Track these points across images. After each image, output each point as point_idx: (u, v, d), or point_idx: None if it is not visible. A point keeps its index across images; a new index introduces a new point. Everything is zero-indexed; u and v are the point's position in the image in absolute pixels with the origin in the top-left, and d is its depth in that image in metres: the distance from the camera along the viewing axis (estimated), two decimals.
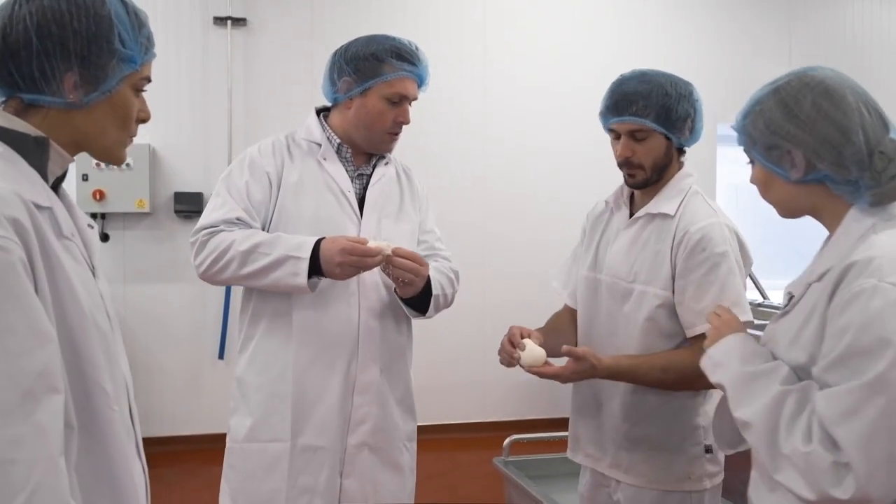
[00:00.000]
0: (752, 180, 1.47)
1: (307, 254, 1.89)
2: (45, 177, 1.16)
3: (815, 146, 1.33)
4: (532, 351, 1.87)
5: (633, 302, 1.91)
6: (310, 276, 1.89)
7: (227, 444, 2.07)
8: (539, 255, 5.25)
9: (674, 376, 1.84)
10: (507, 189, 5.40)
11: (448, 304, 2.15)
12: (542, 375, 1.83)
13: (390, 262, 1.91)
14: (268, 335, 2.02)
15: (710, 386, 1.87)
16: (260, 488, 1.99)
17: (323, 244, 1.90)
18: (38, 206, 1.09)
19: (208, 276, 1.97)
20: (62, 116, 1.16)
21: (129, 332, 4.72)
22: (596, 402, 2.00)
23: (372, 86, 1.98)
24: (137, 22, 1.20)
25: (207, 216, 2.00)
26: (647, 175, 1.92)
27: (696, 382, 1.84)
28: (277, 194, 2.01)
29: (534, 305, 4.98)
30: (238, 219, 1.98)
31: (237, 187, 2.01)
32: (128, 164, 4.54)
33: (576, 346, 2.11)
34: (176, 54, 4.70)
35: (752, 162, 1.45)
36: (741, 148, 1.46)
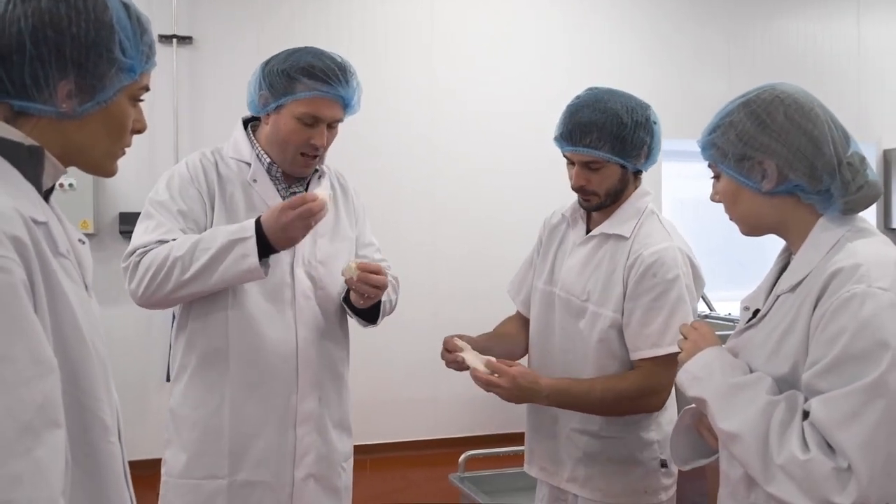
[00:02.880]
0: (717, 195, 1.47)
1: (251, 231, 1.79)
2: (38, 189, 1.08)
3: (788, 157, 1.35)
4: (471, 354, 1.89)
5: (587, 321, 1.93)
6: (260, 258, 1.80)
7: (163, 478, 1.98)
8: (490, 272, 5.27)
9: (613, 397, 1.85)
10: (456, 206, 5.42)
11: (392, 310, 2.13)
12: (486, 383, 1.82)
13: (361, 279, 1.88)
14: (203, 366, 1.93)
15: (651, 410, 1.91)
16: None
17: (262, 217, 1.82)
18: (36, 222, 1.01)
19: (147, 297, 1.83)
20: (53, 126, 1.08)
21: None
22: (552, 415, 2.00)
23: (284, 103, 1.88)
24: (140, 28, 1.13)
25: (139, 238, 1.88)
26: (601, 200, 1.94)
27: (637, 406, 1.88)
28: (211, 217, 1.93)
29: (485, 321, 4.99)
30: (175, 241, 1.86)
31: (170, 209, 1.90)
32: (70, 184, 4.45)
33: (525, 353, 2.13)
34: None
35: (716, 177, 1.47)
36: (705, 163, 1.47)
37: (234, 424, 1.90)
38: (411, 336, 5.40)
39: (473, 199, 5.43)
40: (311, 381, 1.96)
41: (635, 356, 1.87)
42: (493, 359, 1.86)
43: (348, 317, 2.07)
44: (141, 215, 1.93)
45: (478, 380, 1.84)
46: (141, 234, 1.88)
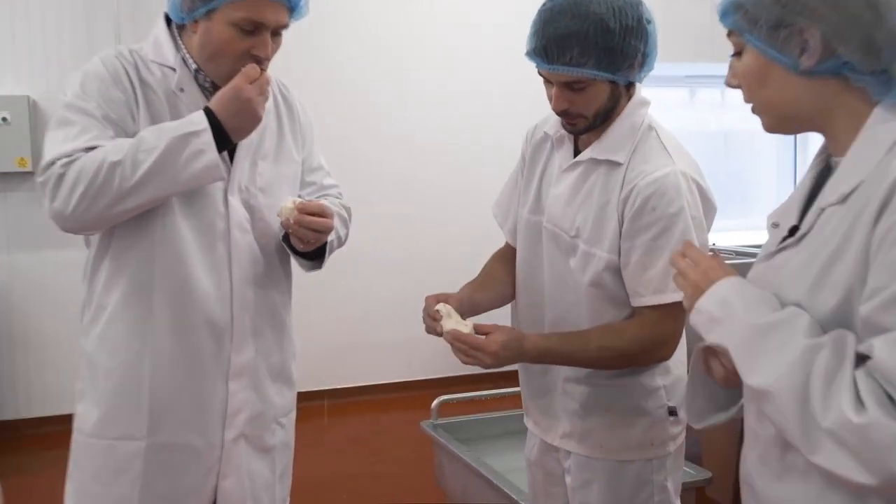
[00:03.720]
0: (736, 77, 1.17)
1: (203, 122, 1.52)
2: None
3: (838, 23, 1.05)
4: (454, 321, 1.63)
5: (578, 260, 1.66)
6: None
7: (73, 434, 1.69)
8: (469, 206, 5.01)
9: (612, 354, 1.60)
10: (433, 136, 5.12)
11: (342, 244, 1.85)
12: (466, 346, 1.57)
13: (299, 223, 1.61)
14: (123, 307, 1.62)
15: (657, 362, 1.65)
16: (107, 493, 1.64)
17: (212, 104, 1.55)
18: None
19: (78, 215, 1.50)
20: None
21: (14, 302, 4.34)
22: (542, 366, 1.75)
23: (216, 7, 1.55)
24: None
25: (59, 147, 1.53)
26: (589, 122, 1.63)
27: (640, 361, 1.63)
28: (136, 127, 1.60)
29: (461, 259, 4.76)
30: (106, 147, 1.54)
31: (94, 114, 1.57)
32: (3, 119, 4.08)
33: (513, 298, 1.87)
34: None
35: (737, 54, 1.16)
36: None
37: (155, 376, 1.63)
38: (382, 274, 5.16)
39: (450, 127, 5.13)
40: (247, 329, 1.70)
41: (636, 303, 1.60)
42: (471, 334, 1.60)
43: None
44: (53, 123, 1.59)
45: (460, 340, 1.58)
46: (60, 142, 1.54)
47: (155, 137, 1.52)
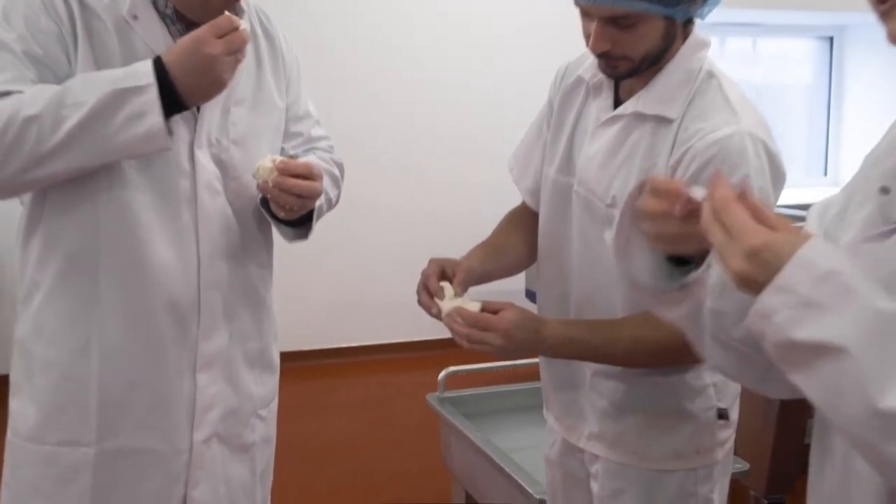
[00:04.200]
0: None
1: (149, 76, 1.22)
2: None
3: None
4: (458, 301, 1.35)
5: (613, 234, 1.37)
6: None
7: (7, 437, 1.41)
8: (484, 155, 4.71)
9: (648, 349, 1.32)
10: (444, 78, 4.81)
11: (333, 207, 1.58)
12: (471, 324, 1.29)
13: (279, 186, 1.32)
14: (62, 287, 1.34)
15: (698, 361, 1.35)
16: None
17: (166, 55, 1.25)
18: None
19: None
20: None
21: None
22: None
23: None
24: None
25: None
26: (634, 66, 1.31)
27: (681, 359, 1.33)
28: (74, 69, 1.29)
29: (475, 212, 4.49)
30: (23, 94, 1.24)
31: (13, 49, 1.26)
32: None
33: (533, 261, 1.59)
34: None
35: None
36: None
37: (105, 371, 1.35)
38: (386, 227, 4.90)
39: (464, 67, 4.83)
40: (218, 310, 1.42)
41: None
42: (477, 312, 1.31)
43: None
44: None
45: (456, 319, 1.31)
46: None
47: (85, 89, 1.22)
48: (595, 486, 1.47)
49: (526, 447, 2.62)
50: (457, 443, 2.66)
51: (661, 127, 1.33)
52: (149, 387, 1.37)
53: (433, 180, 4.94)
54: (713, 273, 0.92)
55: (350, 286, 4.87)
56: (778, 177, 1.31)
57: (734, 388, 1.44)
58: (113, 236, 1.32)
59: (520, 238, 1.58)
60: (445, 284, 1.38)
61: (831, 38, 5.97)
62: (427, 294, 1.38)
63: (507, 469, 2.24)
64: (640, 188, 0.92)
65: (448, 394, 2.82)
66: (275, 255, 1.56)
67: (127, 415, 1.37)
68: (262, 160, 1.34)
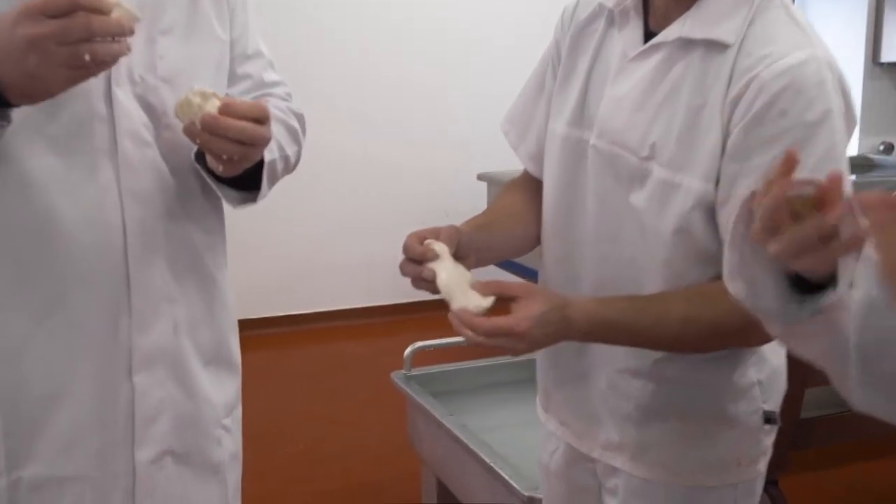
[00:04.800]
0: None
1: None
2: None
3: None
4: (452, 270, 1.08)
5: (651, 194, 1.10)
6: None
7: None
8: (464, 108, 4.43)
9: (701, 330, 1.07)
10: (413, 19, 4.50)
11: (291, 168, 1.28)
12: (486, 334, 1.01)
13: (209, 128, 1.00)
14: None
15: (759, 343, 1.10)
16: None
17: None
18: None
19: None
20: None
21: None
22: (576, 346, 1.22)
23: None
24: None
25: None
26: None
27: (739, 338, 1.09)
28: None
29: (453, 173, 4.22)
30: None
31: None
32: None
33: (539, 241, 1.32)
34: None
35: None
36: None
37: (8, 380, 1.06)
38: (348, 186, 4.60)
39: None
40: (155, 292, 1.13)
41: None
42: (482, 313, 1.04)
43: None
44: None
45: (465, 329, 1.03)
46: None
47: None
48: None
49: (502, 426, 2.40)
50: (426, 426, 2.42)
51: (714, 55, 1.06)
52: (69, 398, 1.08)
53: (401, 133, 4.63)
54: (858, 297, 0.69)
55: (304, 247, 4.58)
56: (851, 123, 1.06)
57: (780, 387, 1.21)
58: (8, 206, 1.02)
59: (525, 207, 1.30)
60: (432, 242, 1.11)
61: None
62: (415, 264, 1.10)
63: (490, 463, 2.00)
64: (766, 188, 0.73)
65: (415, 371, 2.57)
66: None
67: (43, 435, 1.08)
68: (187, 93, 1.01)
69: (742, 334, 1.05)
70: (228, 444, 1.25)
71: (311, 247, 4.60)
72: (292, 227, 4.50)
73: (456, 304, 1.04)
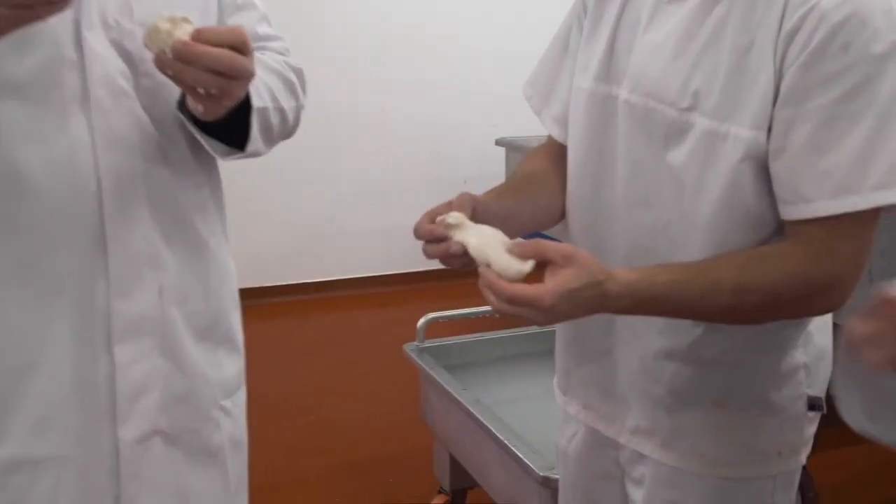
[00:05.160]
0: None
1: None
2: None
3: None
4: (483, 236, 0.95)
5: (694, 148, 0.97)
6: None
7: None
8: (486, 63, 4.28)
9: (759, 299, 0.94)
10: None
11: (290, 126, 1.15)
12: (510, 300, 0.89)
13: (181, 56, 0.89)
14: None
15: (823, 311, 0.99)
16: None
17: None
18: None
19: None
20: None
21: None
22: (603, 322, 1.10)
23: None
24: None
25: None
26: None
27: (801, 306, 0.97)
28: None
29: (469, 134, 4.08)
30: None
31: None
32: None
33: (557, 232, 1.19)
34: None
35: None
36: None
37: None
38: (362, 148, 4.48)
39: None
40: (137, 254, 1.03)
41: (798, 213, 0.93)
42: (505, 279, 0.91)
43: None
44: None
45: (494, 292, 0.90)
46: None
47: None
48: (638, 495, 1.12)
49: (518, 399, 2.31)
50: (439, 400, 2.32)
51: None
52: (43, 370, 0.99)
53: (420, 94, 4.49)
54: None
55: (317, 212, 4.47)
56: None
57: (826, 370, 1.09)
58: None
59: (553, 173, 1.18)
60: (445, 217, 0.98)
61: None
62: (435, 244, 0.98)
63: (504, 440, 1.90)
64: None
65: (428, 343, 2.46)
66: (222, 177, 1.16)
67: (15, 412, 0.99)
68: (156, 20, 0.90)
69: (802, 301, 0.94)
70: (228, 428, 1.15)
71: (324, 212, 4.50)
72: (303, 191, 4.40)
73: (494, 268, 0.92)
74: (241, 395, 1.20)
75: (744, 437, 1.05)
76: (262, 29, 1.18)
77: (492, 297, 0.90)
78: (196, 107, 0.95)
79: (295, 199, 4.41)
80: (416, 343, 2.45)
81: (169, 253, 1.06)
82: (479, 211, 1.02)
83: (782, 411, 1.04)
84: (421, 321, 2.45)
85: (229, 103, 0.96)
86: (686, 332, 1.02)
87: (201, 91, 0.92)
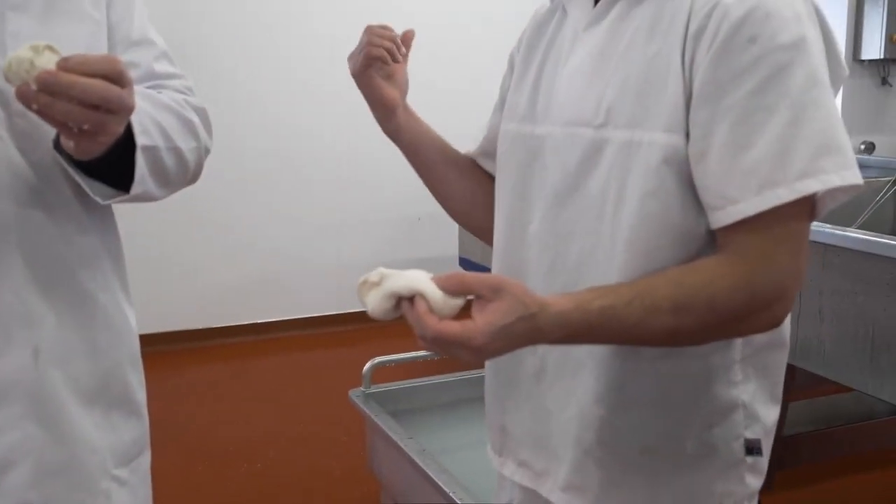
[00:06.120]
0: None
1: None
2: None
3: None
4: (412, 276, 0.89)
5: (609, 167, 0.94)
6: None
7: None
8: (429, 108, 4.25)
9: (700, 317, 0.88)
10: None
11: (190, 168, 1.08)
12: (443, 337, 0.82)
13: (46, 87, 0.80)
14: None
15: (768, 327, 0.93)
16: None
17: None
18: None
19: None
20: None
21: None
22: (539, 362, 1.05)
23: None
24: None
25: None
26: None
27: (746, 322, 0.91)
28: None
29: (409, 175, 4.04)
30: None
31: None
32: None
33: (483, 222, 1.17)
34: None
35: None
36: None
37: None
38: (306, 192, 4.42)
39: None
40: (5, 312, 0.94)
41: (727, 218, 0.88)
42: (443, 276, 0.84)
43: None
44: None
45: (422, 327, 0.82)
46: None
47: None
48: None
49: (465, 446, 2.22)
50: (385, 448, 2.23)
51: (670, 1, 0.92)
52: None
53: (376, 132, 4.45)
54: None
55: (268, 251, 4.39)
56: (838, 71, 0.92)
57: (773, 413, 1.03)
58: None
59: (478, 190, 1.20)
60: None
61: None
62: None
63: (450, 493, 1.83)
64: None
65: (374, 388, 2.39)
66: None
67: None
68: (19, 50, 0.82)
69: (746, 316, 0.89)
70: (123, 500, 1.05)
71: (276, 251, 4.42)
72: (246, 233, 4.32)
73: (429, 302, 0.85)
74: (143, 462, 1.11)
75: (678, 488, 0.99)
76: (161, 66, 1.11)
77: (420, 332, 0.84)
78: (68, 144, 0.87)
79: (247, 238, 4.32)
80: (361, 389, 2.38)
81: (46, 308, 0.97)
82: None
83: (717, 456, 0.99)
84: (367, 366, 2.38)
85: (106, 140, 0.87)
86: (613, 367, 0.97)
87: (72, 126, 0.84)
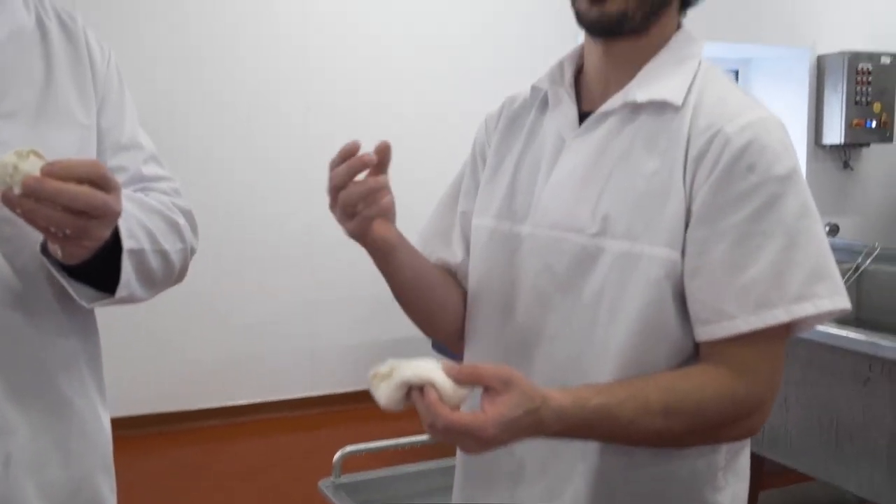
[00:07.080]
0: None
1: None
2: None
3: None
4: (422, 365, 0.89)
5: (605, 274, 0.98)
6: None
7: None
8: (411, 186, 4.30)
9: (688, 421, 0.93)
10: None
11: (175, 269, 1.09)
12: (454, 428, 0.83)
13: (31, 193, 0.81)
14: None
15: (745, 435, 0.99)
16: None
17: None
18: None
19: None
20: None
21: None
22: (516, 463, 1.06)
23: None
24: None
25: None
26: (628, 6, 0.97)
27: (728, 429, 0.97)
28: None
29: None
30: None
31: None
32: None
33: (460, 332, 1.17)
34: None
35: None
36: None
37: None
38: (278, 272, 4.43)
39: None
40: None
41: (718, 332, 0.93)
42: (456, 366, 0.87)
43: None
44: None
45: (433, 416, 0.84)
46: None
47: None
48: None
49: None
50: None
51: (664, 117, 0.99)
52: None
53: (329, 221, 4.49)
54: None
55: (241, 334, 4.36)
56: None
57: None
58: None
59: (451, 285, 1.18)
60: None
61: (737, 72, 5.88)
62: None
63: None
64: None
65: (345, 478, 2.35)
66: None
67: None
68: (3, 155, 0.83)
69: (729, 423, 0.95)
70: None
71: (249, 329, 4.39)
72: (218, 315, 4.30)
73: (439, 391, 0.86)
74: None
75: None
76: (149, 169, 1.13)
77: (430, 421, 0.85)
78: (54, 249, 0.88)
79: (218, 321, 4.30)
80: (331, 479, 2.34)
81: (20, 416, 0.96)
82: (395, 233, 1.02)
83: None
84: (337, 455, 2.34)
85: (91, 244, 0.89)
86: (602, 470, 1.00)
87: (56, 232, 0.85)
